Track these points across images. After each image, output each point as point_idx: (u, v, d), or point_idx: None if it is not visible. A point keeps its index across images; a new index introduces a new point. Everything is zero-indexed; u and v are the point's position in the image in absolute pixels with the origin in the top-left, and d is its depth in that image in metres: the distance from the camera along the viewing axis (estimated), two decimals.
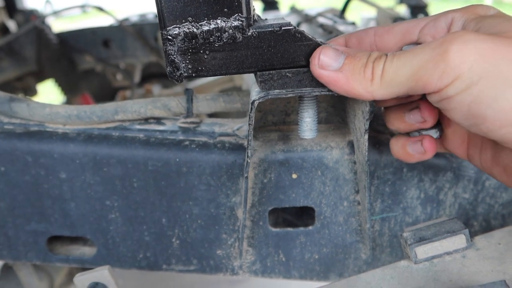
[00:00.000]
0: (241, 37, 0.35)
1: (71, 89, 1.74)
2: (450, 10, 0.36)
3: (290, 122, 0.50)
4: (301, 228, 0.51)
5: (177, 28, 0.35)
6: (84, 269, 0.47)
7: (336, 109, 0.50)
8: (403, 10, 1.32)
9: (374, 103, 0.38)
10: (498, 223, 0.51)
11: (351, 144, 0.48)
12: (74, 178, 0.50)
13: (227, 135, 0.50)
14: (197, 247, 0.52)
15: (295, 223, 0.57)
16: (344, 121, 0.50)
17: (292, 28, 0.35)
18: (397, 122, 0.39)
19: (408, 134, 0.40)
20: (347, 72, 0.33)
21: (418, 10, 1.21)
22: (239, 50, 0.36)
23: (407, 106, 0.39)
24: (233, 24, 0.35)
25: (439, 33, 0.36)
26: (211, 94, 0.52)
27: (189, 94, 0.51)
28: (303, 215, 0.59)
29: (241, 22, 0.34)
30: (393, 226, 0.51)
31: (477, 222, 0.51)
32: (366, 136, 0.40)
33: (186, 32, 0.35)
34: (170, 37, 0.35)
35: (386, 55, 0.32)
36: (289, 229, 0.51)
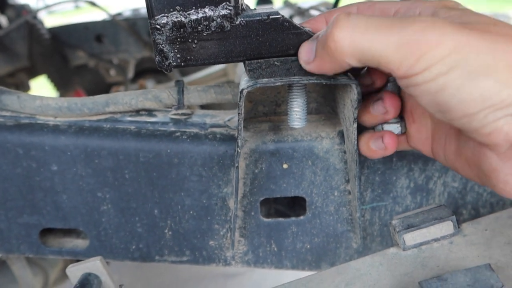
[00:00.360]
0: (229, 26, 0.35)
1: (64, 85, 1.73)
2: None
3: (281, 113, 0.51)
4: (293, 218, 0.52)
5: (165, 17, 0.35)
6: (78, 261, 0.47)
7: (326, 99, 0.50)
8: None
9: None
10: (486, 211, 0.52)
11: (341, 134, 0.48)
12: (66, 170, 0.50)
13: (219, 126, 0.50)
14: (189, 238, 0.52)
15: (287, 213, 0.58)
16: (335, 112, 0.51)
17: (280, 17, 0.35)
18: (363, 114, 0.41)
19: (373, 129, 0.42)
20: (317, 57, 0.34)
21: None
22: (227, 39, 0.36)
23: (373, 97, 0.40)
24: (221, 13, 0.35)
25: None
26: (202, 86, 0.52)
27: (180, 86, 0.51)
28: (295, 206, 0.59)
29: (229, 11, 0.34)
30: (383, 215, 0.52)
31: (466, 211, 0.52)
32: (355, 125, 0.41)
33: (174, 21, 0.35)
34: (158, 26, 0.35)
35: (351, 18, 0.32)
36: (281, 219, 0.52)
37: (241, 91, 0.37)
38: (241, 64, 0.91)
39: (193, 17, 0.35)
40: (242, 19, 0.35)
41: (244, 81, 0.38)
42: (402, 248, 0.40)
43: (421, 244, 0.40)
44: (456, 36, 0.28)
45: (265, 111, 0.51)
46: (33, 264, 1.02)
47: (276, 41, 0.36)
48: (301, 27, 0.35)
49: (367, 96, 0.41)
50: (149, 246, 0.53)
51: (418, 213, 0.41)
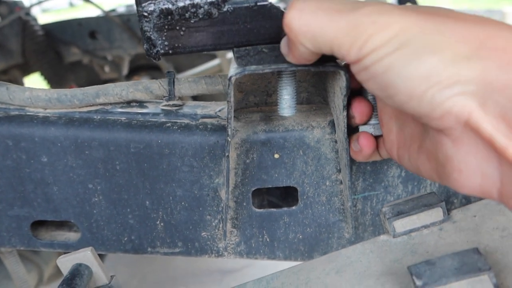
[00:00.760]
0: (216, 12, 0.35)
1: (58, 82, 1.72)
2: None
3: (272, 103, 0.51)
4: (285, 209, 0.52)
5: (152, 5, 0.35)
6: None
7: (317, 89, 0.50)
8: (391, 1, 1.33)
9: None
10: (477, 199, 0.52)
11: (332, 124, 0.48)
12: (56, 162, 0.49)
13: (209, 116, 0.50)
14: (181, 229, 0.52)
15: (280, 205, 0.58)
16: (326, 101, 0.51)
17: (267, 4, 0.35)
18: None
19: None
20: (290, 49, 0.34)
21: (405, 2, 1.21)
22: (215, 26, 0.36)
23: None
24: (208, 0, 0.35)
25: None
26: (193, 77, 0.52)
27: (171, 77, 0.51)
28: (287, 198, 0.59)
29: None
30: (375, 204, 0.52)
31: (457, 200, 0.52)
32: (345, 113, 0.41)
33: (161, 8, 0.35)
34: (145, 14, 0.35)
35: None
36: (273, 209, 0.52)
37: (230, 78, 0.36)
38: None
39: (181, 4, 0.35)
40: (230, 6, 0.35)
41: (232, 69, 0.38)
42: (392, 235, 0.40)
43: (411, 230, 0.40)
44: (403, 18, 0.28)
45: (256, 101, 0.51)
46: (27, 260, 1.02)
47: (264, 28, 0.36)
48: None
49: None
50: (141, 238, 0.53)
51: (408, 201, 0.41)
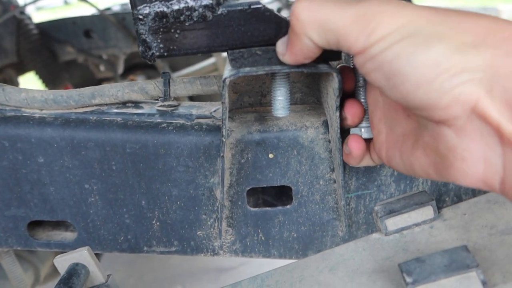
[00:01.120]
0: (211, 15, 0.36)
1: (53, 81, 1.71)
2: None
3: (266, 103, 0.51)
4: (279, 208, 0.52)
5: (147, 8, 0.35)
6: None
7: (311, 89, 0.51)
8: None
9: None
10: (468, 198, 0.53)
11: (326, 124, 0.49)
12: (52, 162, 0.50)
13: (205, 117, 0.51)
14: (177, 229, 0.53)
15: (275, 204, 0.58)
16: (319, 101, 0.51)
17: (261, 7, 0.35)
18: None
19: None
20: (288, 44, 0.35)
21: None
22: (209, 28, 0.36)
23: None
24: (203, 3, 0.35)
25: None
26: (188, 77, 0.52)
27: (166, 77, 0.51)
28: (282, 197, 0.60)
29: (210, 1, 0.35)
30: (368, 203, 0.53)
31: (448, 198, 0.53)
32: (338, 113, 0.41)
33: (156, 11, 0.35)
34: (140, 17, 0.36)
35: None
36: (268, 208, 0.52)
37: (224, 80, 0.37)
38: None
39: (175, 7, 0.35)
40: (224, 9, 0.35)
41: (227, 71, 0.38)
42: (384, 233, 0.41)
43: (403, 229, 0.41)
44: (410, 9, 0.29)
45: (250, 101, 0.51)
46: (23, 260, 1.02)
47: (257, 31, 0.36)
48: (282, 17, 0.36)
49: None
50: (137, 237, 0.53)
51: (399, 199, 0.42)
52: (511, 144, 0.26)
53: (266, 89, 0.50)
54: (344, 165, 0.50)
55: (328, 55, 0.37)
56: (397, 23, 0.29)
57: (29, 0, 1.62)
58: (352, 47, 0.31)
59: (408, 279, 0.31)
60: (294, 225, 0.53)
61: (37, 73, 1.71)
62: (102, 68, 1.86)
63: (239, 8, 0.35)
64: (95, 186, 0.51)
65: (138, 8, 0.35)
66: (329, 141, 0.49)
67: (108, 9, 1.84)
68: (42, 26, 1.67)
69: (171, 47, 0.37)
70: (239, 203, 0.51)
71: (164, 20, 0.36)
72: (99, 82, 1.92)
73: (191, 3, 0.35)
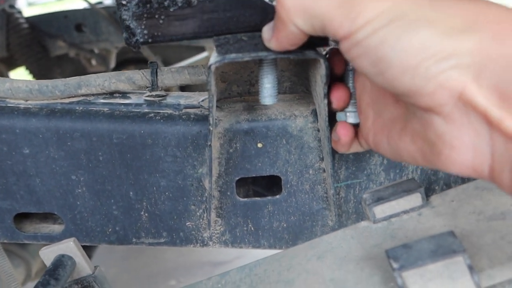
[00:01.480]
0: (196, 1, 0.35)
1: (44, 76, 1.69)
2: None
3: (255, 92, 0.51)
4: (269, 198, 0.52)
5: None
6: None
7: (299, 78, 0.50)
8: None
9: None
10: (458, 186, 0.53)
11: (315, 112, 0.48)
12: (38, 154, 0.49)
13: (193, 107, 0.50)
14: (166, 220, 0.52)
15: (264, 194, 0.58)
16: (308, 90, 0.51)
17: None
18: None
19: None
20: (273, 30, 0.34)
21: None
22: (194, 14, 0.36)
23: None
24: None
25: None
26: (176, 67, 0.52)
27: (153, 67, 0.50)
28: (272, 187, 0.59)
29: None
30: (358, 192, 0.53)
31: (438, 187, 0.53)
32: (326, 101, 0.41)
33: None
34: (124, 2, 0.35)
35: None
36: (257, 198, 0.52)
37: (209, 67, 0.36)
38: None
39: None
40: None
41: (213, 57, 0.38)
42: (372, 221, 0.41)
43: (391, 216, 0.40)
44: None
45: (239, 91, 0.51)
46: (14, 255, 1.01)
47: (243, 16, 0.36)
48: (268, 2, 0.35)
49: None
50: (126, 229, 0.53)
51: (388, 187, 0.41)
52: (500, 130, 0.26)
53: (254, 78, 0.50)
54: (333, 154, 0.50)
55: (316, 41, 0.36)
56: (382, 7, 0.28)
57: None
58: (337, 33, 0.31)
59: (395, 265, 0.31)
60: (283, 215, 0.53)
61: (27, 68, 1.69)
62: (94, 62, 1.85)
63: None
64: (82, 177, 0.50)
65: None
66: (318, 130, 0.49)
67: (100, 2, 1.82)
68: (32, 20, 1.64)
69: (156, 34, 0.36)
70: (228, 193, 0.51)
71: (148, 5, 0.35)
72: None
73: None
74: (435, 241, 0.32)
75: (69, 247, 0.43)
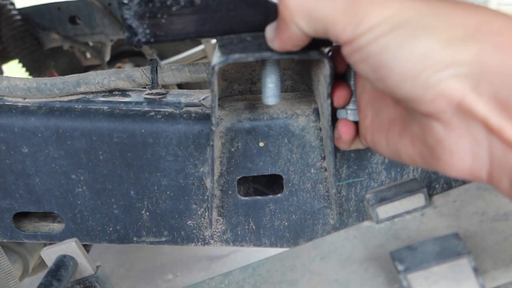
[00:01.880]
0: (198, 0, 0.34)
1: (38, 69, 1.67)
2: None
3: (256, 91, 0.50)
4: (270, 196, 0.52)
5: None
6: None
7: (301, 76, 0.50)
8: None
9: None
10: (458, 185, 0.53)
11: (316, 111, 0.48)
12: (37, 153, 0.49)
13: (194, 105, 0.50)
14: (167, 218, 0.52)
15: (266, 193, 0.58)
16: (310, 89, 0.51)
17: None
18: None
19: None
20: (277, 31, 0.34)
21: None
22: (197, 13, 0.35)
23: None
24: None
25: None
26: (176, 64, 0.51)
27: (153, 65, 0.50)
28: (273, 186, 0.59)
29: None
30: (359, 191, 0.53)
31: (439, 185, 0.53)
32: (329, 101, 0.41)
33: None
34: (125, 1, 0.34)
35: None
36: (258, 197, 0.52)
37: (213, 67, 0.36)
38: None
39: None
40: None
41: (216, 57, 0.37)
42: (375, 221, 0.41)
43: (394, 216, 0.40)
44: (400, 0, 0.28)
45: (240, 89, 0.50)
46: (11, 251, 1.01)
47: (247, 16, 0.35)
48: (271, 1, 0.35)
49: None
50: (127, 228, 0.53)
51: (391, 187, 0.41)
52: (500, 138, 0.26)
53: (256, 76, 0.49)
54: (335, 153, 0.49)
55: (319, 42, 0.36)
56: (385, 14, 0.28)
57: None
58: (340, 37, 0.31)
59: (400, 267, 0.31)
60: (285, 213, 0.53)
61: (20, 60, 1.66)
62: (88, 55, 1.82)
63: None
64: (82, 177, 0.50)
65: None
66: (320, 129, 0.48)
67: None
68: (25, 12, 1.62)
69: (158, 33, 0.36)
70: (230, 192, 0.51)
71: (150, 4, 0.34)
72: (85, 69, 1.88)
73: None
74: (440, 243, 0.32)
75: (71, 247, 0.43)
